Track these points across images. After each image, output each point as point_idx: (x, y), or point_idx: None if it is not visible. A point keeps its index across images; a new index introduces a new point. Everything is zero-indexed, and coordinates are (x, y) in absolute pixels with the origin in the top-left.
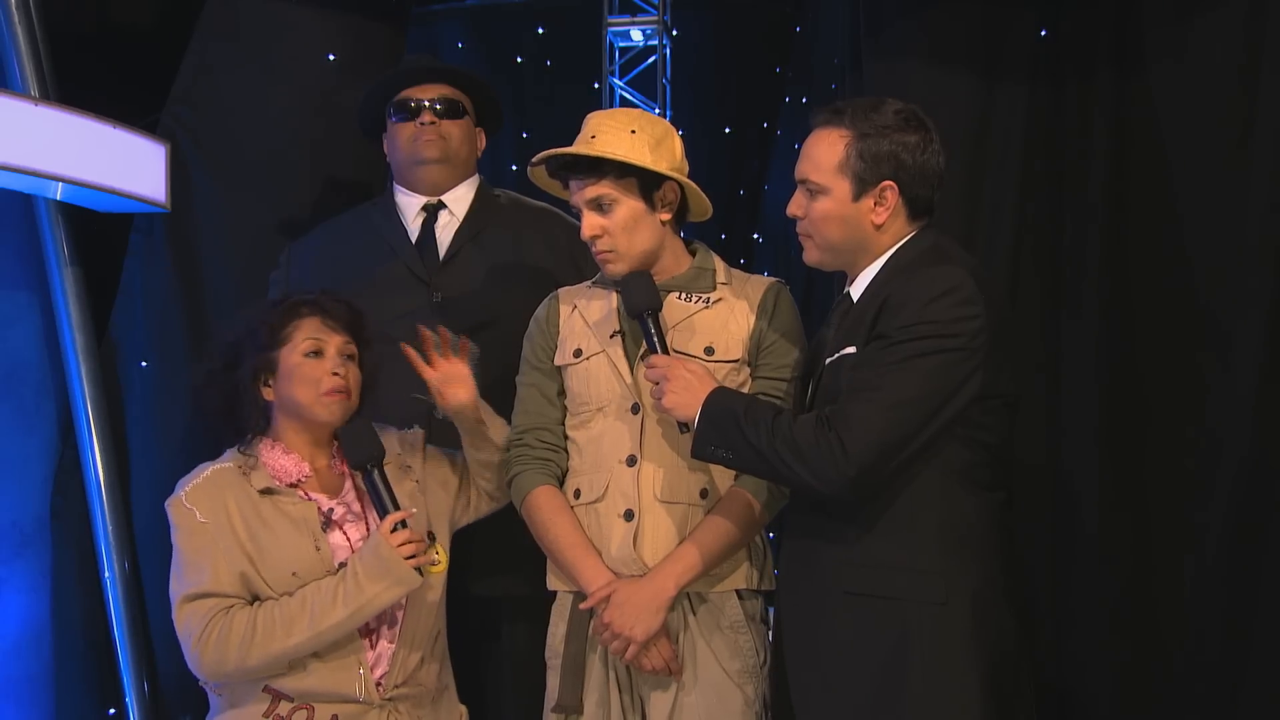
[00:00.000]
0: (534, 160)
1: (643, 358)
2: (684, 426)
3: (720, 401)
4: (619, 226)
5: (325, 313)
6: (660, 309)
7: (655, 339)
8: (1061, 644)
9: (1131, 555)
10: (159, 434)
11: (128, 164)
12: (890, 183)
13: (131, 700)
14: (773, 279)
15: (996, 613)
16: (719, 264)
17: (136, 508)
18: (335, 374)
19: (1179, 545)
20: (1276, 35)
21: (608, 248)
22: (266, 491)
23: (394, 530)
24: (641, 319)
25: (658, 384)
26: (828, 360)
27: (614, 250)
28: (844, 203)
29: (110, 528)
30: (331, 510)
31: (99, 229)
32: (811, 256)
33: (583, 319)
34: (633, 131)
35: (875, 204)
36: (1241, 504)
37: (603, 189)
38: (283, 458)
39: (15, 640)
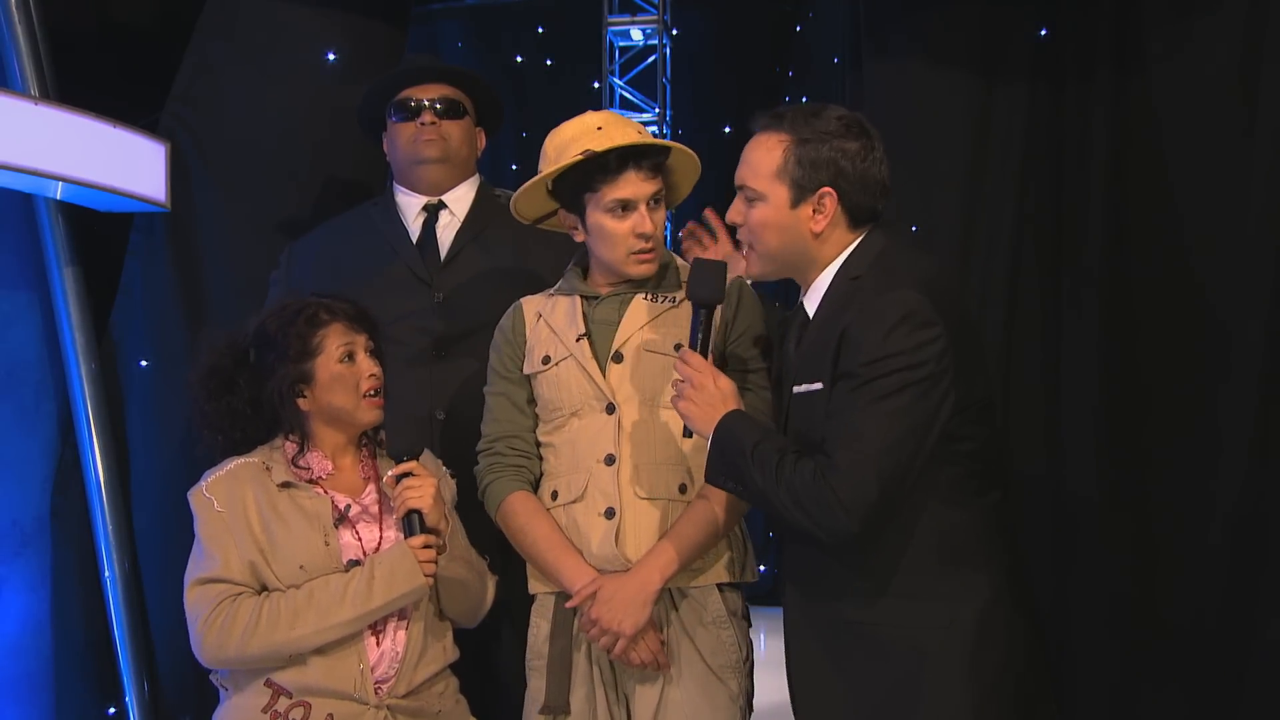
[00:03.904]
0: (612, 147)
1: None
2: (688, 431)
3: (731, 431)
4: (661, 223)
5: (346, 316)
6: (720, 303)
7: (700, 335)
8: (1063, 643)
9: (1133, 555)
10: (159, 434)
11: (128, 163)
12: (829, 190)
13: (131, 700)
14: (734, 275)
15: (1006, 624)
16: (679, 262)
17: (136, 507)
18: (372, 375)
19: (1180, 545)
20: (1276, 35)
21: (656, 245)
22: (285, 485)
23: (420, 539)
24: (696, 310)
25: (682, 381)
26: (796, 391)
27: (657, 249)
28: (781, 210)
29: (110, 527)
30: (348, 507)
31: (99, 229)
32: (753, 268)
33: (549, 326)
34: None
35: (814, 211)
36: (1243, 502)
37: (660, 183)
38: (307, 455)
39: (15, 639)
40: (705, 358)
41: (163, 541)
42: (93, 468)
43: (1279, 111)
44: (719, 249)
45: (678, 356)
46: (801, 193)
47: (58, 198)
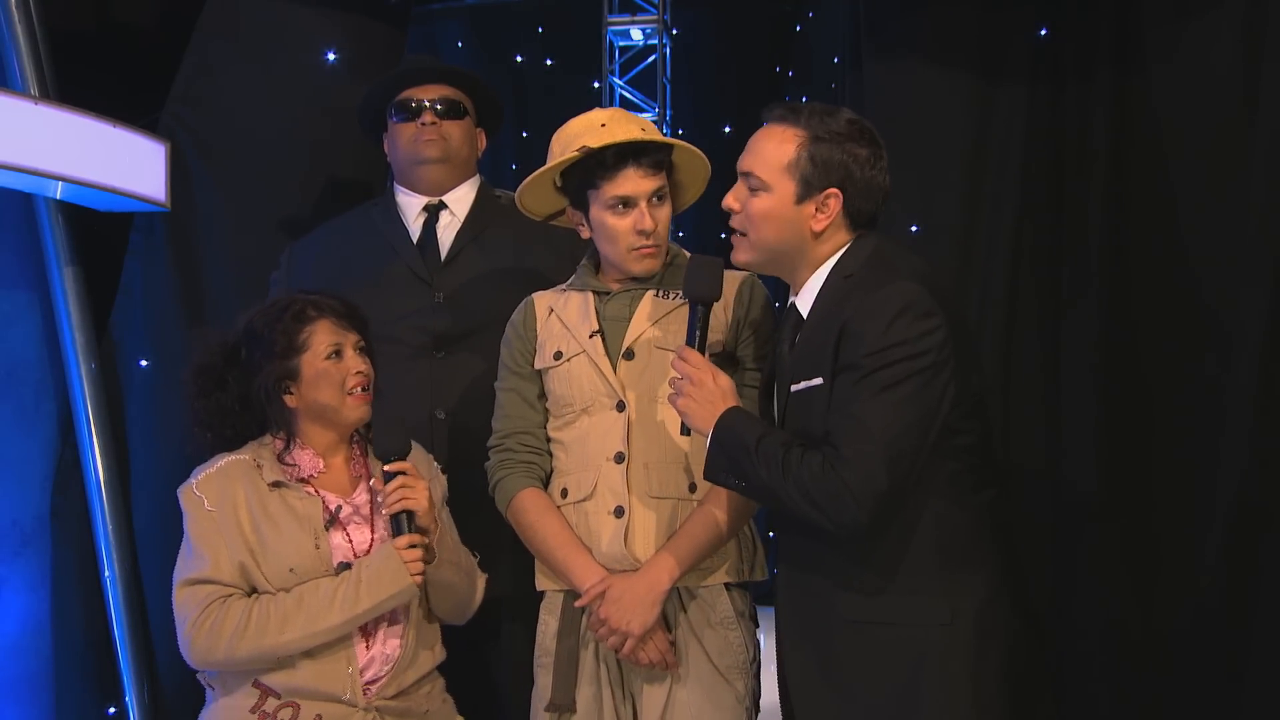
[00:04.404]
0: (609, 143)
1: (617, 351)
2: (686, 428)
3: (732, 428)
4: (665, 220)
5: (335, 313)
6: (718, 300)
7: (698, 332)
8: (1062, 642)
9: (1132, 554)
10: (159, 433)
11: (128, 163)
12: (836, 191)
13: (131, 700)
14: (743, 272)
15: (1005, 622)
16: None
17: (136, 507)
18: (359, 372)
19: (1180, 544)
20: (1276, 35)
21: (659, 241)
22: (276, 485)
23: (405, 539)
24: (693, 307)
25: (680, 378)
26: (793, 389)
27: (659, 245)
28: (785, 203)
29: (110, 527)
30: (339, 509)
31: (99, 228)
32: (741, 256)
33: (560, 321)
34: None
35: (816, 210)
36: (1243, 501)
37: (663, 180)
38: (298, 452)
39: (15, 639)
40: (703, 355)
41: (163, 541)
42: (93, 467)
43: (1279, 111)
44: None
45: (676, 354)
46: (808, 190)
47: (58, 198)
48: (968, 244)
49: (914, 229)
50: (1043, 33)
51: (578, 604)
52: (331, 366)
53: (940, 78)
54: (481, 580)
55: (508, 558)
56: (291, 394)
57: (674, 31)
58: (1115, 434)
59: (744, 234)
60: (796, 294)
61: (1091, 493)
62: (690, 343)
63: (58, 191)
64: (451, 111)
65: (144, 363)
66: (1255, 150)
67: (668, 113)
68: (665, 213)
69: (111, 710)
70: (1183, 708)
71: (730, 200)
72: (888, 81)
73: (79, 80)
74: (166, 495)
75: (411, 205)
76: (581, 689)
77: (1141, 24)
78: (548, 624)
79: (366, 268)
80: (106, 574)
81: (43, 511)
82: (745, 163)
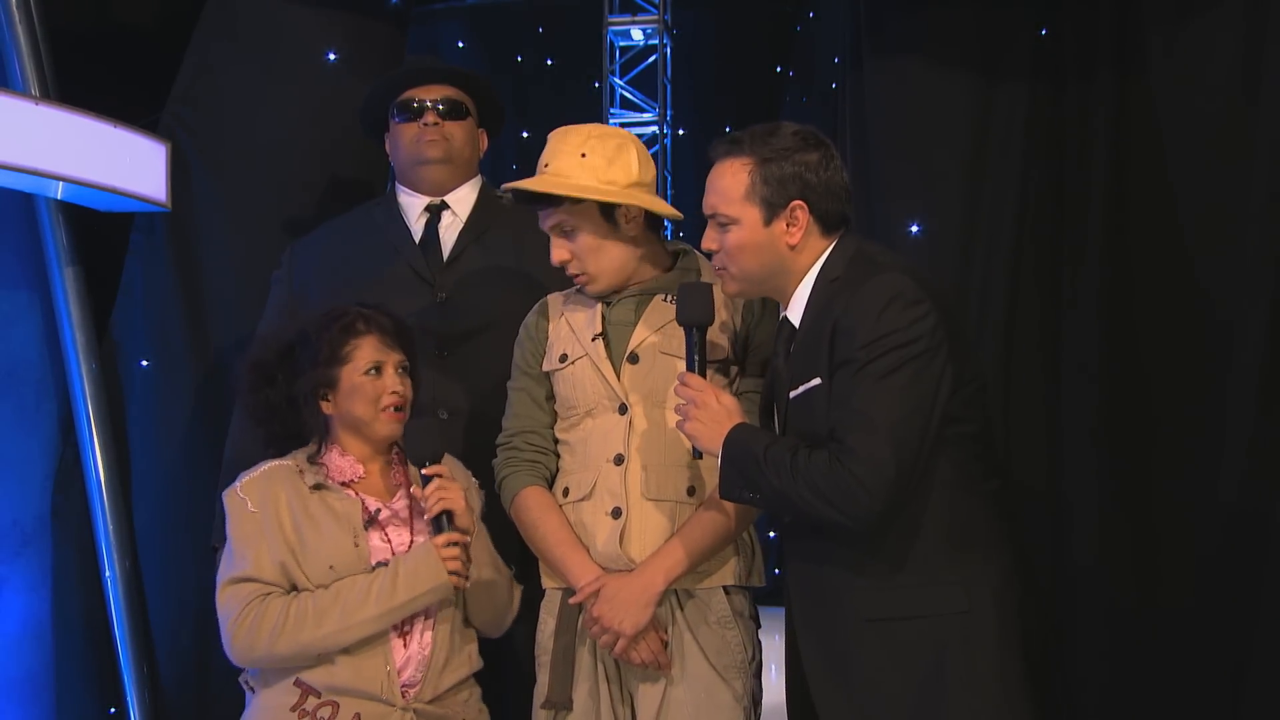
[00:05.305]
0: (500, 191)
1: (612, 362)
2: (697, 452)
3: (740, 443)
4: (584, 250)
5: (383, 330)
6: (710, 324)
7: (695, 356)
8: (1062, 641)
9: (1132, 554)
10: (159, 434)
11: (128, 163)
12: (799, 202)
13: (131, 700)
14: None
15: (1021, 608)
16: (704, 265)
17: (137, 507)
18: (395, 392)
19: (1180, 544)
20: (1276, 35)
21: (578, 270)
22: (317, 487)
23: (444, 538)
24: (688, 332)
25: (685, 404)
26: (791, 395)
27: (585, 273)
28: (756, 229)
29: (110, 527)
30: (378, 511)
31: (99, 228)
32: (730, 288)
33: (569, 324)
34: (583, 155)
35: (787, 225)
36: (1243, 501)
37: (560, 217)
38: (339, 459)
39: (16, 639)
40: (704, 378)
41: (163, 541)
42: (93, 467)
43: (1279, 111)
44: None
45: (678, 380)
46: (773, 210)
47: (58, 198)
48: (968, 244)
49: (914, 229)
50: (1043, 32)
51: (572, 601)
52: (369, 382)
53: (940, 77)
54: (518, 592)
55: (514, 557)
56: (328, 401)
57: (674, 31)
58: (1115, 433)
59: (726, 269)
60: (787, 308)
61: (1092, 492)
62: (690, 367)
63: (58, 191)
64: (454, 112)
65: (144, 363)
66: (1256, 150)
67: (668, 113)
68: (578, 245)
69: (111, 710)
70: (1183, 707)
71: (707, 243)
72: (888, 81)
73: (79, 80)
74: (167, 495)
75: (413, 205)
76: (579, 687)
77: (1141, 24)
78: (547, 622)
79: (368, 267)
80: (106, 574)
81: (43, 511)
82: (708, 204)
